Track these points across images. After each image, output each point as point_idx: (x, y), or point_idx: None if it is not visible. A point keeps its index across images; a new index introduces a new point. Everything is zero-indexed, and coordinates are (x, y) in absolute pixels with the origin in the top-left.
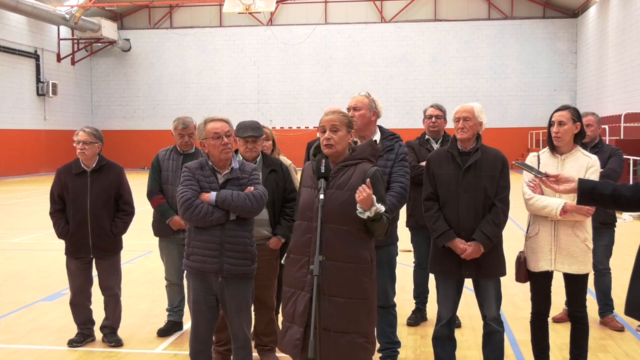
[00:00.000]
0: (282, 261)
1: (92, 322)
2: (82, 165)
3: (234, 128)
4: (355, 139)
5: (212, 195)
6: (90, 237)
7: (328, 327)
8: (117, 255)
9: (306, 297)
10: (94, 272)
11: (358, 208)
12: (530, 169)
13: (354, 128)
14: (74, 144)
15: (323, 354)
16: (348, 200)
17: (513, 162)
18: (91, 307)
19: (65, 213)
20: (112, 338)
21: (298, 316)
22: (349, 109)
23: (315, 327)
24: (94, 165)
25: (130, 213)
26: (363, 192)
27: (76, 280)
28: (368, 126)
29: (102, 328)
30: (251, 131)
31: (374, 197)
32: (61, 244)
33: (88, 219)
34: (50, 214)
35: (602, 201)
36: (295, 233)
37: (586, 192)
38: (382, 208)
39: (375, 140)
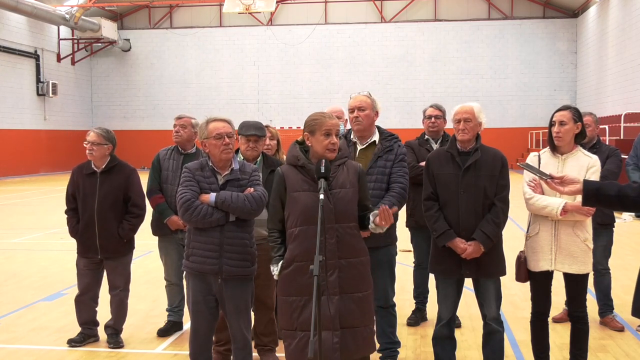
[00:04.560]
0: (278, 273)
1: (95, 323)
2: (93, 166)
3: (236, 128)
4: None
5: (212, 197)
6: (98, 238)
7: (354, 325)
8: (126, 257)
9: (335, 299)
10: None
11: (372, 225)
12: (534, 170)
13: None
14: (84, 144)
15: (350, 353)
16: (353, 198)
17: (517, 164)
18: (96, 308)
19: (78, 212)
20: (112, 339)
21: (328, 320)
22: (353, 109)
23: (316, 329)
24: (103, 167)
25: (139, 215)
26: (389, 217)
27: (83, 279)
28: (371, 126)
29: (105, 328)
30: (254, 130)
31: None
32: (61, 244)
33: (95, 219)
34: (65, 212)
35: (607, 202)
36: (302, 239)
37: (591, 193)
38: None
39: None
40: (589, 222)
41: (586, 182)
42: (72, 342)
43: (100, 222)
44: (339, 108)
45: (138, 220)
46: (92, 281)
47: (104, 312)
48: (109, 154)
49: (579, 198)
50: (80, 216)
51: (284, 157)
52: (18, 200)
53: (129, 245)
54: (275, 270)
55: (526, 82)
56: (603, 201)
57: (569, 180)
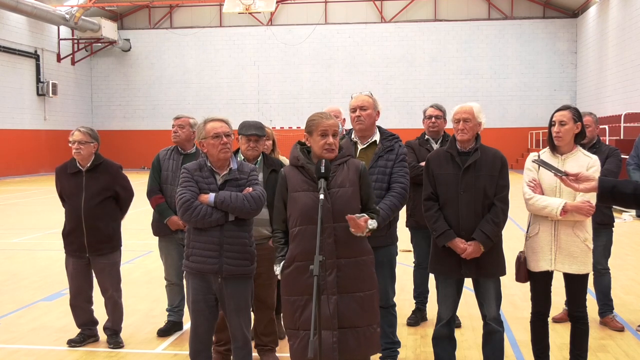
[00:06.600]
0: (280, 273)
1: (94, 323)
2: (78, 165)
3: (234, 128)
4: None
5: (211, 197)
6: (85, 237)
7: (356, 324)
8: (114, 255)
9: (333, 299)
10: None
11: (352, 230)
12: (550, 167)
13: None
14: (69, 144)
15: (350, 352)
16: (352, 196)
17: (532, 160)
18: (92, 307)
19: None
20: (111, 340)
21: (327, 320)
22: (355, 109)
23: (316, 328)
24: (89, 165)
25: (130, 195)
26: (357, 227)
27: (74, 281)
28: (373, 126)
29: (104, 329)
30: (255, 130)
31: (367, 219)
32: (61, 244)
33: (82, 218)
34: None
35: (622, 200)
36: (300, 239)
37: (607, 190)
38: (375, 223)
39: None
40: (588, 222)
41: (602, 180)
42: (72, 343)
43: (88, 220)
44: (336, 108)
45: (128, 199)
46: (83, 282)
47: (102, 313)
48: (95, 152)
49: (579, 197)
50: (67, 215)
51: (280, 157)
52: (18, 200)
53: (116, 243)
54: (277, 270)
55: (526, 82)
56: (619, 199)
57: (584, 178)
